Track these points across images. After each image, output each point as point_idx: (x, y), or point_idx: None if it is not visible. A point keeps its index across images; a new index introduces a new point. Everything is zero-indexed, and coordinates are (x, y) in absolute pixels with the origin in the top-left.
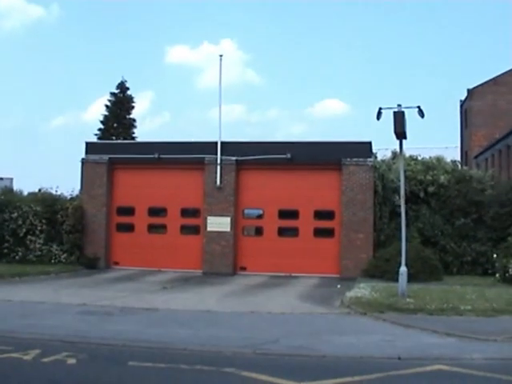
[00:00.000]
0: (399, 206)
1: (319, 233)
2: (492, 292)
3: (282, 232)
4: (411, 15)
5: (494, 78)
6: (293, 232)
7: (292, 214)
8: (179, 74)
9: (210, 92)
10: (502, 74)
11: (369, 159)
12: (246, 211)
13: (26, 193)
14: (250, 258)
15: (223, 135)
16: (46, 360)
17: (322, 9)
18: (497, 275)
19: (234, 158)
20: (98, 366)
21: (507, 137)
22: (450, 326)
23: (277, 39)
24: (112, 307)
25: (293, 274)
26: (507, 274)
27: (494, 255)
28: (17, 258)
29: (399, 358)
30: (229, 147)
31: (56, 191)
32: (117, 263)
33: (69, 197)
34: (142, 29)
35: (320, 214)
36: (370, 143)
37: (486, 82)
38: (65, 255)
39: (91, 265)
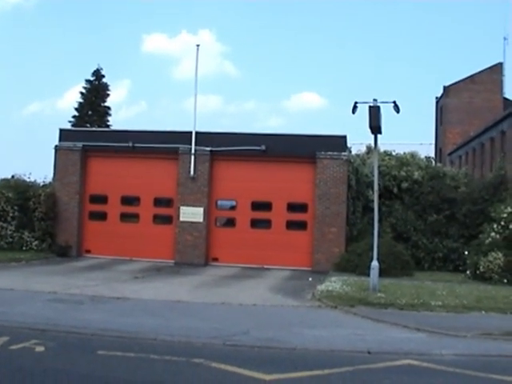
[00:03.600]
0: (372, 200)
1: (292, 225)
2: (462, 288)
3: (255, 224)
4: (389, 11)
5: (470, 76)
6: (265, 224)
7: (265, 206)
8: (156, 63)
9: (187, 82)
10: (479, 73)
11: (343, 153)
12: (220, 202)
13: None
14: (222, 249)
15: (199, 126)
16: (14, 347)
17: (300, 2)
18: (467, 272)
19: (208, 149)
20: (67, 354)
21: (481, 135)
22: (421, 322)
23: (255, 32)
24: (83, 296)
25: (265, 266)
26: (478, 271)
27: (466, 252)
28: None
29: (369, 352)
30: (203, 138)
31: (29, 178)
32: (89, 251)
33: (42, 184)
34: (119, 16)
35: (293, 207)
36: (344, 137)
37: (462, 80)
38: (36, 242)
39: (63, 253)
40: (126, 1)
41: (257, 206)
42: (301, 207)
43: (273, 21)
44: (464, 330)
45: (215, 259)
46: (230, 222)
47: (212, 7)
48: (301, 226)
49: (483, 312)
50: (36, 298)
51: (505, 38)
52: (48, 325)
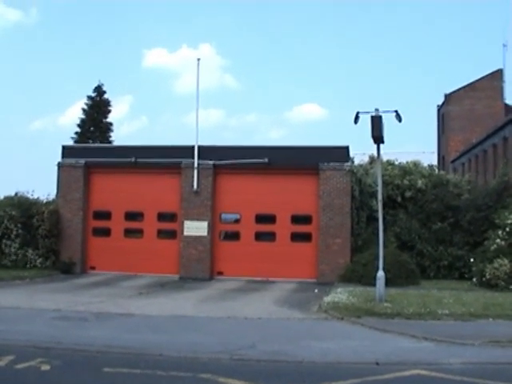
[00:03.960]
0: (376, 210)
1: (296, 237)
2: (469, 296)
3: (259, 236)
4: (389, 21)
5: (471, 83)
6: (270, 236)
7: (269, 219)
8: (157, 78)
9: (188, 96)
10: (479, 80)
11: (346, 164)
12: (223, 216)
13: (1, 196)
14: (227, 263)
15: (201, 140)
16: (19, 366)
17: (301, 14)
18: (473, 279)
19: (211, 162)
20: (73, 372)
21: (484, 142)
22: (428, 331)
23: (255, 44)
24: (87, 313)
25: (270, 279)
26: (484, 278)
27: (471, 259)
28: None
29: (377, 363)
30: (206, 151)
31: (32, 195)
32: (93, 268)
33: (45, 201)
34: (120, 31)
35: (297, 219)
36: (347, 148)
37: (463, 87)
38: (40, 260)
39: (67, 270)
40: (127, 16)
41: (261, 218)
42: (305, 219)
43: (272, 33)
44: (472, 337)
45: (220, 273)
46: (235, 236)
47: (212, 21)
48: (305, 237)
49: (490, 319)
50: (41, 316)
51: (504, 45)
52: (53, 343)
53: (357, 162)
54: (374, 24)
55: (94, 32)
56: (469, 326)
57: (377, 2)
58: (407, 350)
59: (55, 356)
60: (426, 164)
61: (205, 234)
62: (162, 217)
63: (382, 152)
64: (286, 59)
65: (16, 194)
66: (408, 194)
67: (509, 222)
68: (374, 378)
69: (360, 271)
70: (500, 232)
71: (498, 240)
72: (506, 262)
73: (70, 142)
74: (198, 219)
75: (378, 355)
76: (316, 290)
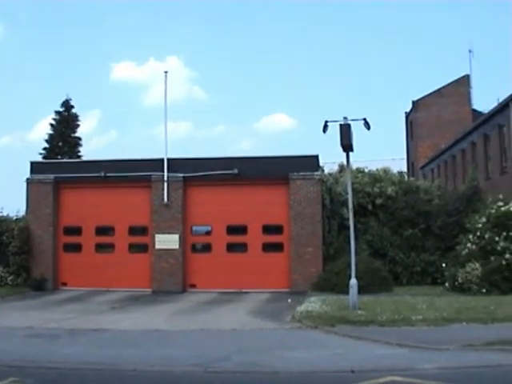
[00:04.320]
0: (347, 218)
1: (268, 248)
2: (442, 301)
3: (231, 248)
4: (355, 28)
5: (438, 90)
6: (242, 248)
7: (240, 230)
8: (125, 91)
9: (156, 109)
10: (446, 86)
11: (316, 173)
12: (194, 228)
13: None
14: (199, 275)
15: (171, 152)
16: None
17: (267, 25)
18: (446, 284)
19: (180, 175)
20: None
21: (452, 147)
22: (402, 337)
23: (223, 56)
24: (60, 329)
25: (243, 290)
26: (456, 283)
27: (443, 264)
28: None
29: (352, 371)
30: (175, 164)
31: (1, 212)
32: (65, 284)
33: (14, 218)
34: (87, 45)
35: (268, 229)
36: (316, 157)
37: (430, 94)
38: (11, 277)
39: (39, 286)
40: (94, 30)
41: (232, 229)
42: (276, 229)
43: (240, 45)
44: (446, 342)
45: (193, 285)
46: (206, 248)
47: (179, 34)
48: (277, 247)
49: (464, 323)
50: (12, 334)
51: (470, 51)
52: (25, 361)
53: (327, 170)
54: (341, 33)
55: (61, 46)
56: (442, 330)
57: (341, 11)
58: (382, 356)
59: (28, 374)
60: (395, 171)
61: (176, 246)
62: (133, 231)
63: (351, 160)
64: (254, 70)
65: None
66: (379, 201)
67: (479, 226)
68: None
69: (333, 280)
70: (471, 236)
71: (469, 244)
72: (477, 265)
73: (39, 158)
74: (169, 232)
75: (353, 363)
76: (289, 300)
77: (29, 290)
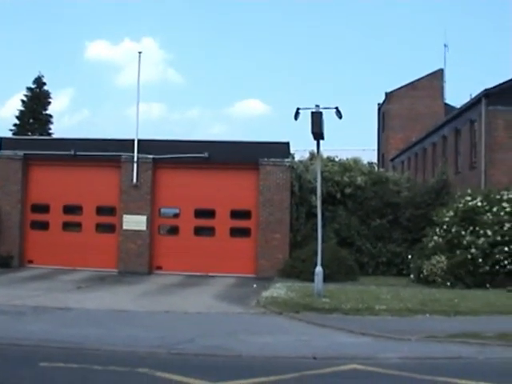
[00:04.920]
0: (316, 206)
1: (236, 232)
2: (407, 292)
3: (199, 231)
4: (332, 17)
5: (411, 82)
6: (209, 231)
7: (208, 214)
8: (99, 71)
9: (130, 89)
10: (420, 79)
11: (286, 160)
12: (163, 210)
13: None
14: (166, 258)
15: (142, 134)
16: None
17: (243, 9)
18: (411, 276)
19: (150, 157)
20: (8, 367)
21: (423, 140)
22: (366, 326)
23: (199, 39)
24: (24, 307)
25: (209, 274)
26: (421, 275)
27: (409, 256)
28: None
29: (314, 358)
30: (146, 145)
31: None
32: (31, 262)
33: None
34: (61, 23)
35: (237, 214)
36: (287, 144)
37: (403, 86)
38: None
39: (5, 263)
40: (68, 7)
41: (200, 213)
42: (244, 214)
43: (216, 28)
44: (409, 333)
45: (159, 267)
46: (174, 230)
47: (155, 15)
48: (244, 232)
49: (427, 315)
50: None
51: (445, 45)
52: None
53: (297, 158)
54: (317, 21)
55: (35, 22)
56: (406, 321)
57: (318, 2)
58: (345, 344)
59: None
60: (366, 161)
61: (144, 228)
62: (101, 210)
63: (322, 148)
64: (230, 54)
65: None
66: (348, 190)
67: (446, 219)
68: (311, 372)
69: (299, 267)
70: (438, 229)
71: (436, 237)
72: (443, 258)
73: (9, 134)
74: (137, 213)
75: (316, 350)
76: (255, 285)
77: None
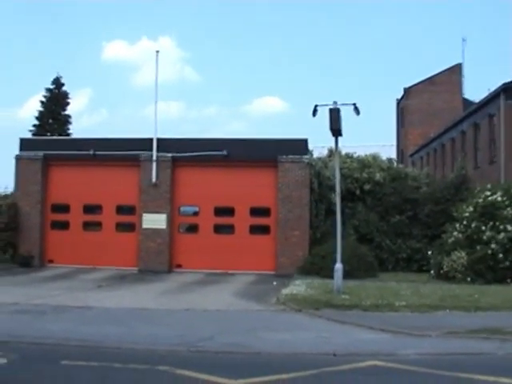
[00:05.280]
0: (335, 203)
1: (255, 230)
2: (426, 288)
3: (218, 229)
4: (350, 13)
5: (430, 78)
6: (229, 229)
7: (228, 211)
8: (117, 71)
9: (148, 89)
10: (438, 74)
11: (305, 156)
12: (182, 208)
13: None
14: (186, 256)
15: (161, 132)
16: None
17: (260, 7)
18: (431, 272)
19: (169, 155)
20: (30, 365)
21: (442, 136)
22: (385, 322)
23: (216, 37)
24: (45, 306)
25: (229, 271)
26: (441, 271)
27: (429, 252)
28: None
29: (334, 355)
30: (165, 144)
31: None
32: (52, 261)
33: (3, 194)
34: (79, 24)
35: (256, 211)
36: (305, 140)
37: (422, 81)
38: None
39: (26, 263)
40: (86, 8)
41: (219, 211)
42: (263, 211)
43: (233, 25)
44: (429, 329)
45: (179, 266)
46: (193, 228)
47: (172, 13)
48: (264, 230)
49: (447, 311)
50: None
51: (463, 39)
52: (10, 336)
53: (316, 154)
54: (335, 18)
55: (53, 24)
56: (426, 317)
57: None
58: (364, 341)
59: (12, 349)
60: (384, 157)
61: (163, 226)
62: (120, 210)
63: (341, 145)
64: (247, 51)
65: None
66: (367, 187)
67: (466, 214)
68: (331, 368)
69: (319, 263)
70: (457, 225)
71: (456, 233)
72: (463, 254)
73: (29, 135)
74: (156, 212)
75: (336, 346)
76: (275, 283)
77: (15, 266)
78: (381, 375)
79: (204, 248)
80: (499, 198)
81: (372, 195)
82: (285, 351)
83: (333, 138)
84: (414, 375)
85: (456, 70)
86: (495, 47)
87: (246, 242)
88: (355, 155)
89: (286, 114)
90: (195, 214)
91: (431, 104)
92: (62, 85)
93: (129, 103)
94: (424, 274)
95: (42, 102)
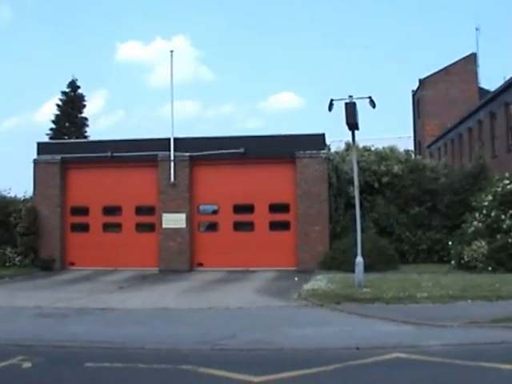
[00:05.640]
0: (354, 197)
1: (275, 226)
2: (448, 279)
3: (238, 227)
4: (362, 7)
5: (445, 68)
6: (248, 226)
7: (247, 209)
8: (132, 71)
9: (163, 88)
10: (454, 64)
11: (322, 151)
12: (201, 207)
13: None
14: (206, 254)
15: (177, 132)
16: (0, 365)
17: (273, 3)
18: (452, 262)
19: (187, 154)
20: (54, 368)
21: (459, 126)
22: (407, 314)
23: (230, 35)
24: (68, 309)
25: (250, 269)
26: (462, 261)
27: (449, 242)
28: None
29: (357, 348)
30: (182, 143)
31: (9, 193)
32: (73, 264)
33: (22, 198)
34: (93, 25)
35: (275, 208)
36: (323, 135)
37: (437, 72)
38: (19, 258)
39: (47, 266)
40: (99, 9)
41: (239, 208)
42: (283, 207)
43: (246, 23)
44: (451, 319)
45: (200, 264)
46: (213, 227)
47: (185, 12)
48: (284, 226)
49: (469, 301)
50: (21, 314)
51: (477, 29)
52: (34, 340)
53: (333, 149)
54: (347, 11)
55: (67, 26)
56: (447, 308)
57: None
58: (387, 334)
59: (36, 353)
60: (402, 149)
61: (183, 226)
62: (140, 210)
63: (357, 138)
64: (261, 49)
65: None
66: (385, 179)
67: (485, 204)
68: (355, 362)
69: (339, 258)
70: (477, 214)
71: (476, 222)
72: (483, 243)
73: (46, 139)
74: (176, 211)
75: (358, 340)
76: (296, 278)
77: (37, 270)
78: (404, 367)
79: (224, 246)
80: None
81: (390, 187)
82: (308, 346)
83: (349, 132)
84: (437, 366)
85: (471, 60)
86: (509, 36)
87: (266, 239)
88: (372, 148)
89: (302, 109)
90: (214, 212)
91: (447, 94)
92: (78, 87)
93: (145, 103)
94: (445, 265)
95: (58, 106)
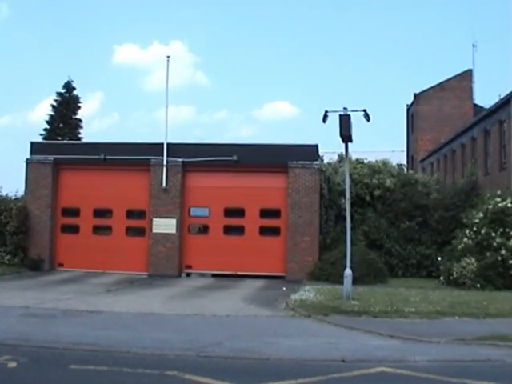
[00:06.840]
0: (345, 209)
1: (265, 231)
2: (436, 294)
3: (228, 230)
4: (359, 20)
5: (440, 83)
6: (239, 230)
7: (238, 213)
8: (128, 75)
9: (159, 93)
10: (449, 80)
11: (315, 162)
12: (192, 210)
13: None
14: (195, 257)
15: (171, 137)
16: None
17: (272, 11)
18: (441, 278)
19: (180, 160)
20: (39, 369)
21: (452, 141)
22: (395, 329)
23: (227, 42)
24: (55, 310)
25: (239, 273)
26: (451, 277)
27: (439, 258)
28: None
29: (343, 361)
30: (175, 149)
31: (0, 192)
32: (61, 265)
33: (13, 197)
34: (90, 27)
35: (266, 213)
36: (316, 146)
37: (432, 87)
38: (8, 257)
39: (35, 266)
40: (97, 11)
41: (230, 212)
42: (273, 213)
43: (244, 31)
44: (437, 335)
45: (188, 266)
46: (204, 229)
47: (183, 18)
48: (274, 231)
49: (456, 317)
50: (8, 313)
51: (473, 45)
52: (20, 340)
53: (326, 160)
54: (344, 23)
55: (64, 27)
56: (435, 324)
57: (345, 2)
58: (373, 347)
59: (22, 353)
60: (395, 163)
61: (173, 231)
62: (130, 214)
63: (351, 151)
64: (258, 57)
65: None
66: (377, 192)
67: (476, 221)
68: (339, 375)
69: (328, 269)
70: (467, 231)
71: (466, 239)
72: (472, 260)
73: (39, 139)
74: (166, 216)
75: (344, 352)
76: (284, 288)
77: (25, 269)
78: (389, 381)
79: (214, 249)
80: (509, 205)
81: (382, 201)
82: (294, 357)
83: (343, 144)
84: (422, 382)
85: (466, 76)
86: (506, 53)
87: (255, 244)
88: (365, 161)
89: (297, 119)
90: (205, 215)
91: (441, 110)
92: (73, 89)
93: (140, 107)
94: (433, 280)
95: (52, 106)
